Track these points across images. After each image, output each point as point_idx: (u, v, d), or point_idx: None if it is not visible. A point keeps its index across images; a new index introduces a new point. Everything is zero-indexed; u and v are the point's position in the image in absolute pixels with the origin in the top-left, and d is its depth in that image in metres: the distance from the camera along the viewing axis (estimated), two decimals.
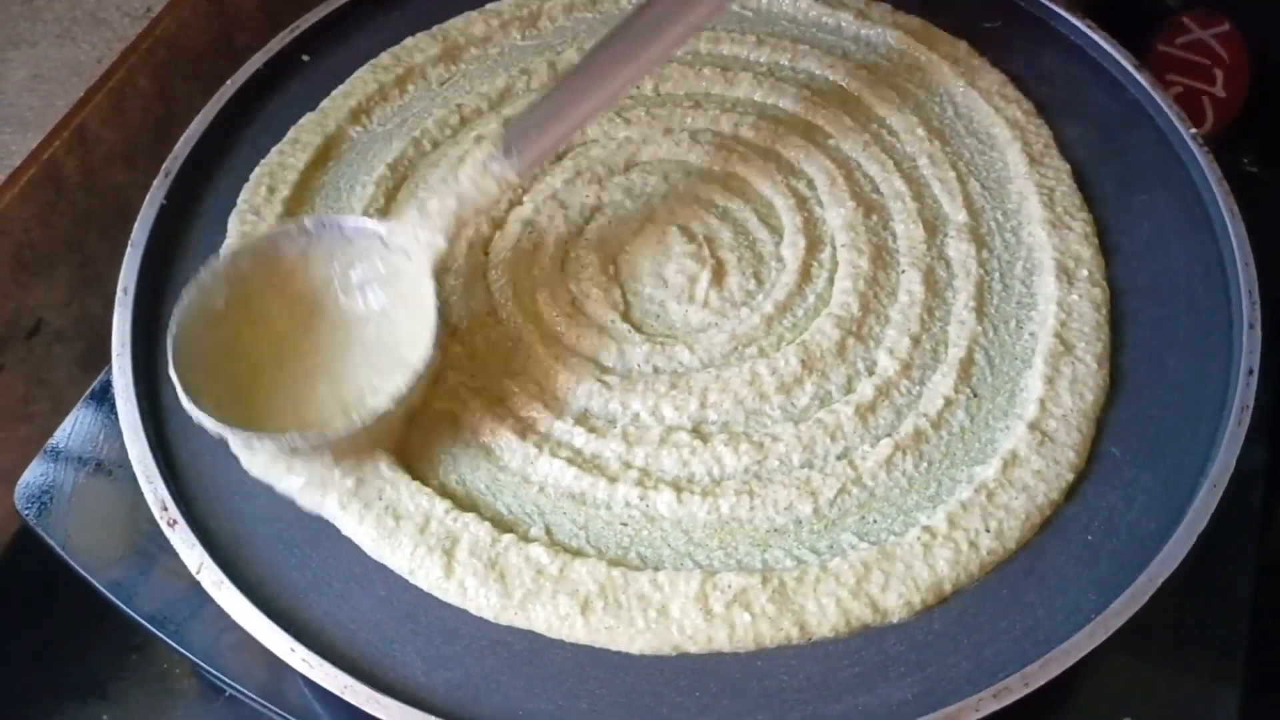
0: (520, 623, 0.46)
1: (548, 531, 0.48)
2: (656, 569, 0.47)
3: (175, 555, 0.48)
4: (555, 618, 0.46)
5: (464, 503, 0.49)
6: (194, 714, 0.64)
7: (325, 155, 0.61)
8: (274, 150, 0.61)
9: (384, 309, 0.52)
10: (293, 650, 0.44)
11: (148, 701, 0.64)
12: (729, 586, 0.46)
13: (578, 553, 0.48)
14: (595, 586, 0.46)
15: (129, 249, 0.56)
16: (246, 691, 0.53)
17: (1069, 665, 0.44)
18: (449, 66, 0.66)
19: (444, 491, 0.50)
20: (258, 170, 0.60)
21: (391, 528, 0.48)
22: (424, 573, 0.47)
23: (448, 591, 0.47)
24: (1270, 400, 0.53)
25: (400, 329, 0.51)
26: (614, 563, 0.47)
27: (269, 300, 0.52)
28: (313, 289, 0.52)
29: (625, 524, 0.49)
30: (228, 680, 0.52)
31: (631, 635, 0.45)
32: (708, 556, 0.48)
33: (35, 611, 0.65)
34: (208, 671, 0.53)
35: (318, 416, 0.49)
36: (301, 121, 0.62)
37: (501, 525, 0.48)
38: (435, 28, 0.66)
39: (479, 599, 0.46)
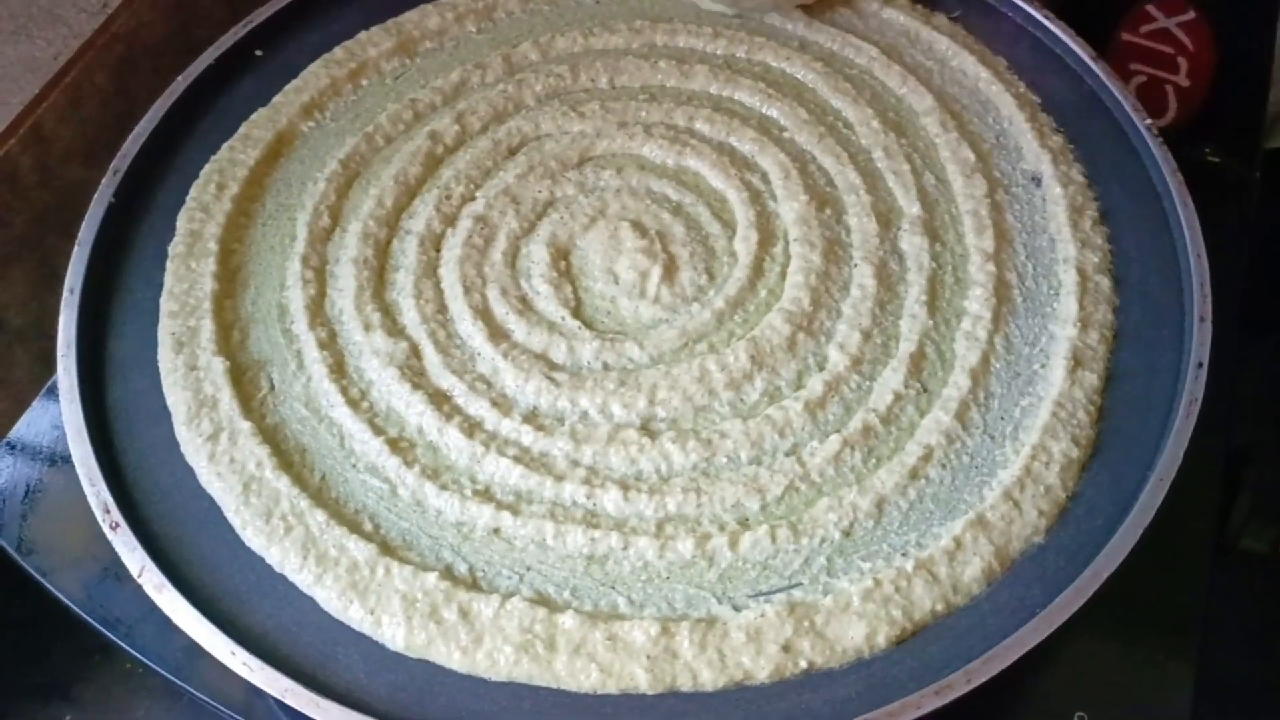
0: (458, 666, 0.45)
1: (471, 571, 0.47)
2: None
3: None
4: (489, 663, 0.45)
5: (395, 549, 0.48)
6: (157, 715, 0.63)
7: (277, 151, 0.61)
8: (224, 146, 0.60)
9: None
10: (233, 654, 0.44)
11: (110, 702, 0.64)
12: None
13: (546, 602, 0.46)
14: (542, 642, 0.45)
15: (75, 248, 0.56)
16: (202, 696, 0.53)
17: (1012, 661, 0.43)
18: (403, 60, 0.65)
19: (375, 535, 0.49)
20: (207, 167, 0.59)
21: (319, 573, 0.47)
22: (355, 618, 0.46)
23: (381, 636, 0.46)
24: (1225, 394, 0.53)
25: None
26: (573, 610, 0.46)
27: None
28: None
29: (588, 561, 0.47)
30: (180, 683, 0.52)
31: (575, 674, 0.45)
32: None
33: None
34: (162, 674, 0.53)
35: None
36: (253, 117, 0.62)
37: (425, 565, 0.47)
38: (390, 21, 0.66)
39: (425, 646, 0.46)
